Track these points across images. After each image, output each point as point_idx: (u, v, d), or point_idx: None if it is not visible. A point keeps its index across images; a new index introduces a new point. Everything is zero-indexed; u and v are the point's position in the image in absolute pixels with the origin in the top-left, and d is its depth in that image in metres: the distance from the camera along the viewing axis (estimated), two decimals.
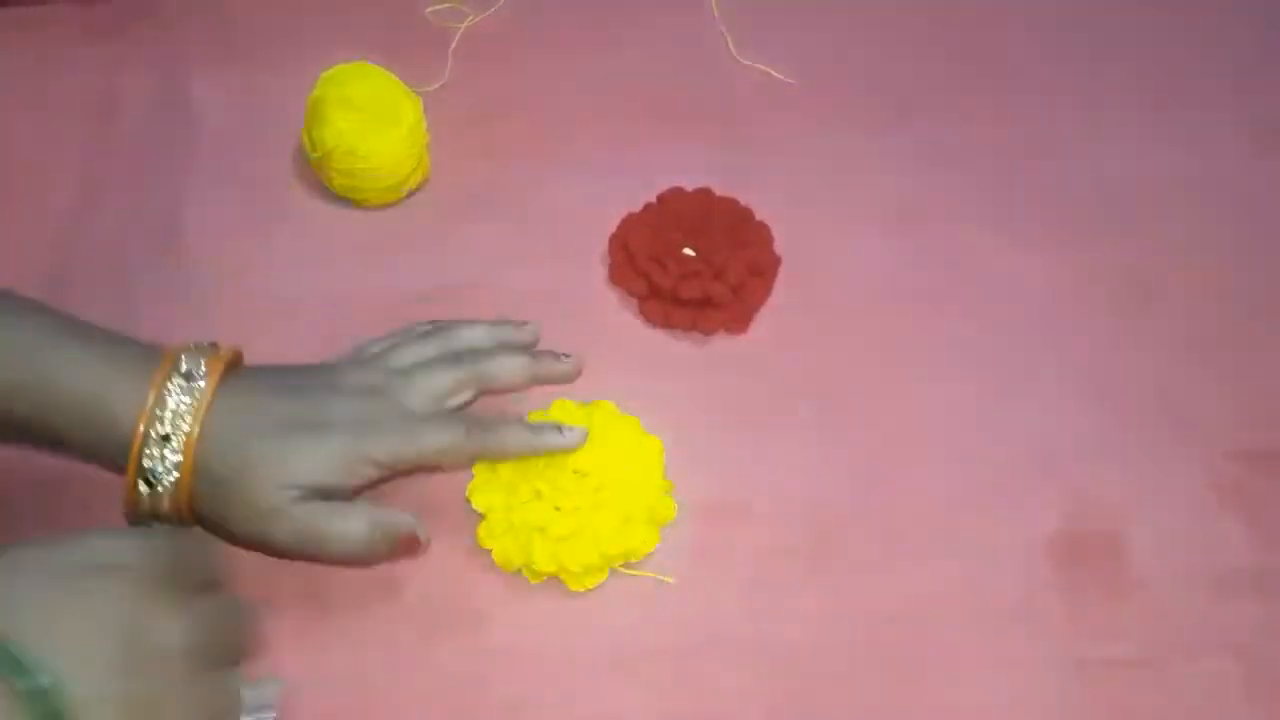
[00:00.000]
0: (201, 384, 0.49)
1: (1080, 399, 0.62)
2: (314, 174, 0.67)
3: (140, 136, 0.70)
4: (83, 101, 0.71)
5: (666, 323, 0.63)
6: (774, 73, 0.74)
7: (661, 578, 0.55)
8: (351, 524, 0.50)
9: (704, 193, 0.67)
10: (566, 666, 0.53)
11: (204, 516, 0.50)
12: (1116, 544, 0.57)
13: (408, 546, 0.52)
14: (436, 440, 0.51)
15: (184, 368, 0.49)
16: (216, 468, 0.49)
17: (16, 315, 0.50)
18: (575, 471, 0.54)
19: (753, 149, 0.71)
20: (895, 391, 0.62)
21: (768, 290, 0.64)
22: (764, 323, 0.64)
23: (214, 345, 0.52)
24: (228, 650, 0.41)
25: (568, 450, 0.54)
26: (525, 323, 0.58)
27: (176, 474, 0.49)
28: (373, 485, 0.52)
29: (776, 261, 0.65)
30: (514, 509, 0.54)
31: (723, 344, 0.63)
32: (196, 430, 0.48)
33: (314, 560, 0.51)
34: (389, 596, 0.54)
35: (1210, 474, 0.59)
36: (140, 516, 0.50)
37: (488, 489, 0.55)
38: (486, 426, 0.52)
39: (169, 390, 0.49)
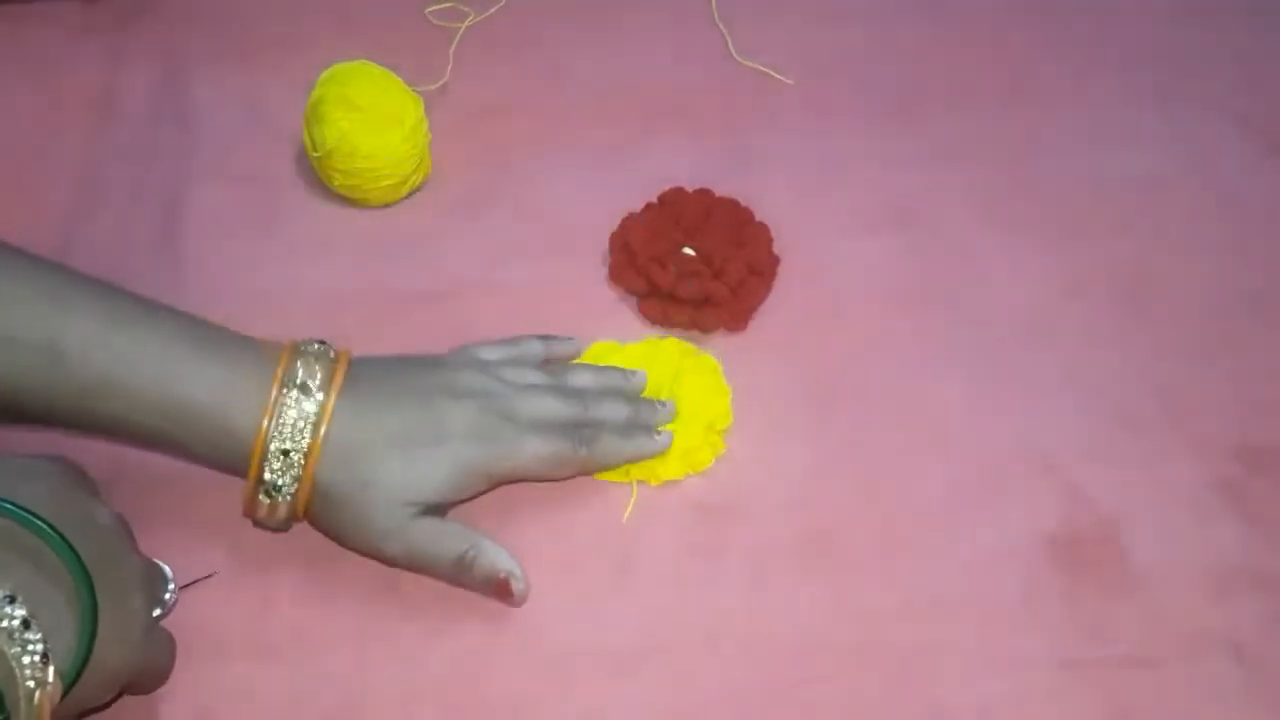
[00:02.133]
0: (319, 397, 0.50)
1: (1080, 399, 0.62)
2: (314, 173, 0.67)
3: (140, 134, 0.70)
4: (82, 99, 0.71)
5: (666, 322, 0.63)
6: (773, 73, 0.75)
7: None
8: (457, 551, 0.52)
9: (704, 193, 0.67)
10: (567, 666, 0.53)
11: (320, 523, 0.52)
12: (1116, 544, 0.57)
13: (500, 589, 0.52)
14: (545, 452, 0.53)
15: (299, 378, 0.50)
16: (335, 483, 0.50)
17: (124, 308, 0.50)
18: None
19: (753, 149, 0.71)
20: (895, 391, 0.62)
21: (767, 290, 0.64)
22: (763, 322, 0.64)
23: (323, 345, 0.52)
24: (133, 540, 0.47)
25: (661, 453, 0.56)
26: (634, 372, 0.59)
27: (296, 486, 0.50)
28: (483, 493, 0.54)
29: (776, 261, 0.65)
30: None
31: (722, 343, 0.63)
32: (316, 447, 0.49)
33: (422, 574, 0.52)
34: (389, 596, 0.54)
35: (1210, 474, 0.59)
36: (260, 519, 0.52)
37: None
38: (588, 439, 0.54)
39: (286, 403, 0.49)
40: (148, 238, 0.65)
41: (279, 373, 0.50)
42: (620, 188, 0.66)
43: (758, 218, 0.66)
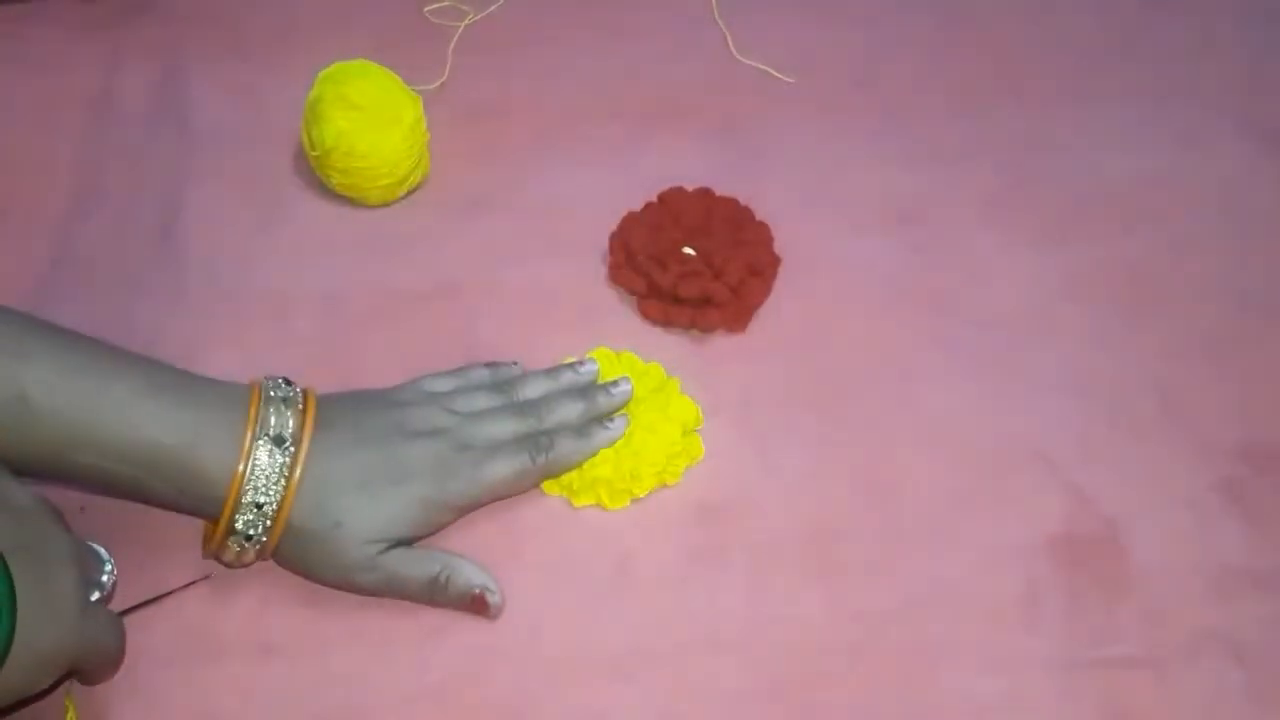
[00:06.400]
0: (292, 449, 0.50)
1: (1080, 399, 0.61)
2: (313, 172, 0.67)
3: (138, 134, 0.70)
4: (80, 98, 0.71)
5: (666, 321, 0.63)
6: (774, 72, 0.74)
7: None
8: (430, 573, 0.52)
9: (704, 193, 0.67)
10: (567, 666, 0.53)
11: (287, 563, 0.53)
12: (1116, 544, 0.57)
13: (476, 605, 0.53)
14: (506, 473, 0.54)
15: (272, 428, 0.50)
16: (306, 527, 0.51)
17: (87, 356, 0.49)
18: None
19: (753, 149, 0.71)
20: (895, 391, 0.61)
21: (767, 290, 0.64)
22: (763, 322, 0.64)
23: (289, 386, 0.52)
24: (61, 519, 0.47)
25: (615, 441, 0.56)
26: (582, 361, 0.59)
27: (267, 536, 0.51)
28: (449, 524, 0.54)
29: (776, 261, 0.65)
30: None
31: (722, 343, 0.63)
32: (290, 497, 0.50)
33: (398, 599, 0.53)
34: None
35: (1210, 474, 0.59)
36: (227, 561, 0.52)
37: None
38: (545, 448, 0.55)
39: (258, 457, 0.49)
40: (146, 236, 0.65)
41: (251, 417, 0.50)
42: (620, 187, 0.66)
43: (758, 217, 0.66)
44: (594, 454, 0.56)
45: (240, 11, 0.76)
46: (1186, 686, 0.53)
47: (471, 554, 0.55)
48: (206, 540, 0.52)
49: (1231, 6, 0.80)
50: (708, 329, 0.63)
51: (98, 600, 0.51)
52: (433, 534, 0.54)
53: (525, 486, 0.56)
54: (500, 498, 0.56)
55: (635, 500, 0.57)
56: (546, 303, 0.63)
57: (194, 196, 0.67)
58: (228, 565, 0.53)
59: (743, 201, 0.66)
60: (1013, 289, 0.66)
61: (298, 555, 0.52)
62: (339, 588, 0.53)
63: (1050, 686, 0.53)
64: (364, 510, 0.51)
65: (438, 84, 0.72)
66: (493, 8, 0.76)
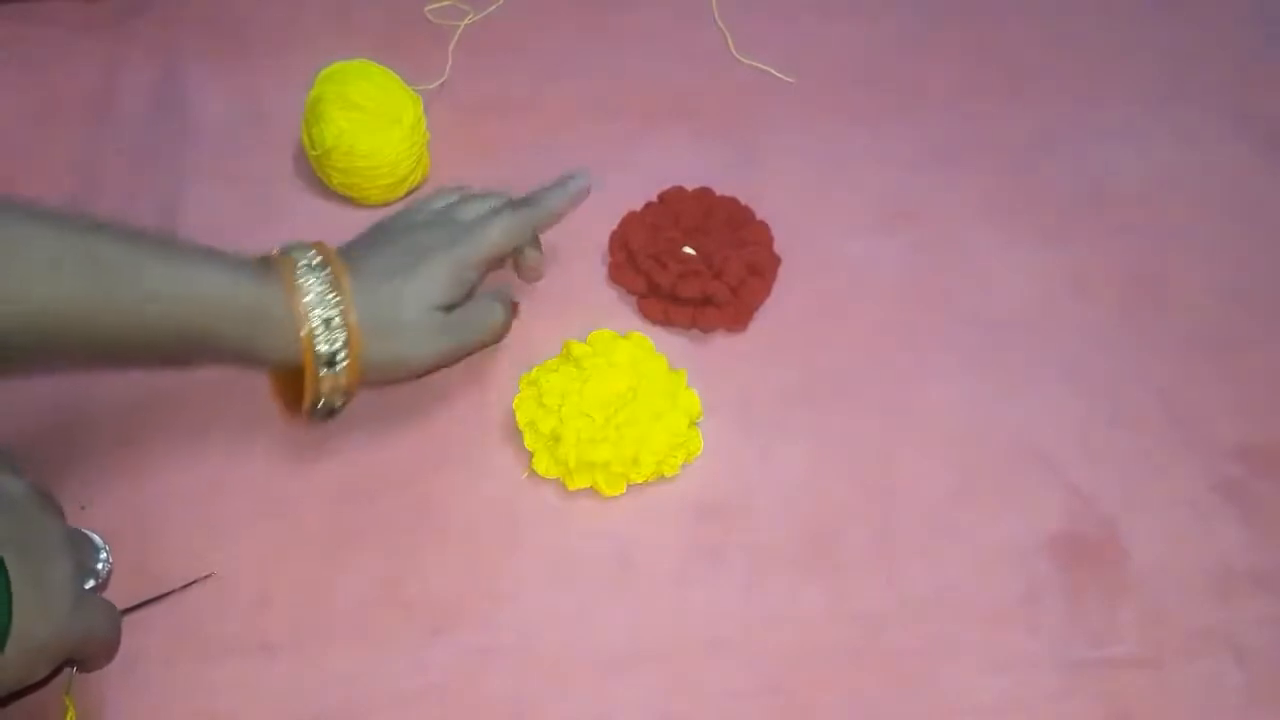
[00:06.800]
0: (325, 269, 0.53)
1: (1080, 399, 0.61)
2: (313, 172, 0.67)
3: (138, 133, 0.70)
4: (81, 97, 0.71)
5: (666, 321, 0.63)
6: (774, 71, 0.74)
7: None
8: (493, 309, 0.59)
9: (704, 192, 0.67)
10: (566, 666, 0.53)
11: (372, 371, 0.55)
12: (1116, 544, 0.57)
13: (514, 311, 0.61)
14: (506, 226, 0.59)
15: (298, 262, 0.53)
16: (373, 323, 0.54)
17: (148, 231, 0.51)
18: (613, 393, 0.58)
19: (753, 148, 0.71)
20: (895, 391, 0.61)
21: (767, 289, 0.64)
22: (763, 322, 0.64)
23: (287, 243, 0.55)
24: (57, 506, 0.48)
25: (585, 189, 0.61)
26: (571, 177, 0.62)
27: (347, 348, 0.53)
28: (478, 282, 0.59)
29: (776, 261, 0.65)
30: (562, 420, 0.57)
31: (722, 342, 0.63)
32: (349, 297, 0.53)
33: (467, 354, 0.58)
34: (389, 597, 0.54)
35: (1210, 474, 0.59)
36: (318, 404, 0.54)
37: (528, 406, 0.58)
38: (527, 202, 0.60)
39: (303, 285, 0.52)
40: None
41: (280, 262, 0.53)
42: (620, 187, 0.66)
43: (758, 217, 0.66)
44: (571, 197, 0.61)
45: (240, 11, 0.76)
46: (1186, 686, 0.53)
47: (472, 554, 0.56)
48: (289, 404, 0.55)
49: (1231, 6, 0.80)
50: (708, 328, 0.63)
51: (93, 588, 0.51)
52: (468, 294, 0.58)
53: (523, 237, 0.60)
54: (508, 254, 0.60)
55: (631, 487, 0.57)
56: (546, 302, 0.63)
57: (194, 196, 0.67)
58: (318, 412, 0.54)
59: (743, 200, 0.66)
60: (1013, 288, 0.66)
61: (380, 357, 0.54)
62: (420, 370, 0.57)
63: (1050, 686, 0.53)
64: (408, 288, 0.55)
65: (438, 84, 0.72)
66: (493, 8, 0.76)
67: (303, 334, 0.52)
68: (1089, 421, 0.61)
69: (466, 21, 0.76)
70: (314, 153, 0.65)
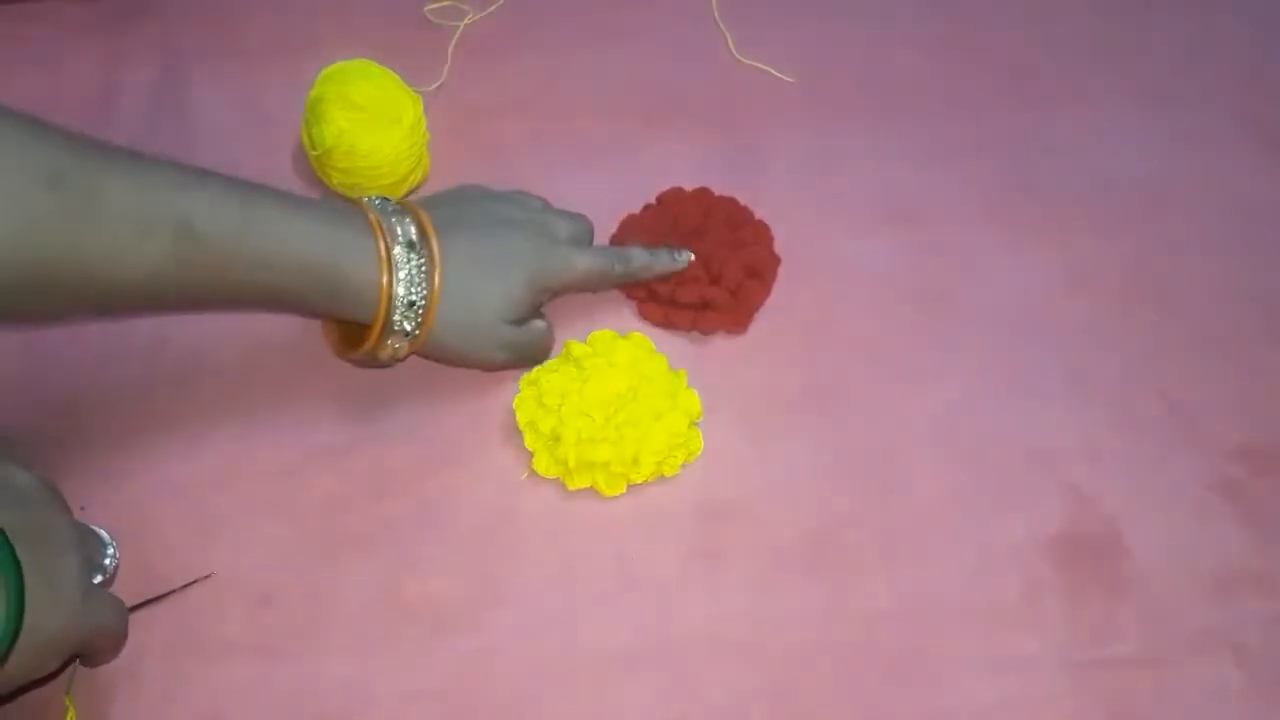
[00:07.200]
0: (424, 251, 0.55)
1: (1080, 399, 0.61)
2: (313, 172, 0.67)
3: (139, 133, 0.70)
4: (82, 98, 0.71)
5: (666, 323, 0.63)
6: (774, 72, 0.74)
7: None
8: (549, 335, 0.61)
9: (703, 192, 0.67)
10: (566, 666, 0.53)
11: (433, 350, 0.58)
12: (1116, 544, 0.57)
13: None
14: (592, 266, 0.60)
15: (400, 236, 0.54)
16: (449, 316, 0.56)
17: (227, 183, 0.52)
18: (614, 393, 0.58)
19: (752, 149, 0.71)
20: (895, 391, 0.61)
21: (767, 290, 0.64)
22: (764, 322, 0.64)
23: (384, 200, 0.57)
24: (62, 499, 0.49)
25: (681, 267, 0.62)
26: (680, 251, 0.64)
27: (419, 328, 0.55)
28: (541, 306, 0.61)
29: (776, 261, 0.65)
30: (562, 420, 0.57)
31: (722, 342, 0.63)
32: (436, 293, 0.55)
33: (523, 367, 0.60)
34: (389, 598, 0.54)
35: (1210, 474, 0.59)
36: (383, 358, 0.57)
37: (528, 406, 0.59)
38: (622, 257, 0.61)
39: (397, 258, 0.54)
40: None
41: (375, 224, 0.54)
42: (619, 188, 0.66)
43: (757, 217, 0.66)
44: (661, 272, 0.62)
45: (240, 11, 0.76)
46: (1186, 686, 0.53)
47: (472, 554, 0.56)
48: (351, 344, 0.57)
49: (1231, 6, 0.80)
50: (708, 331, 0.63)
51: (100, 583, 0.51)
52: (529, 315, 0.59)
53: (603, 286, 0.62)
54: (580, 290, 0.61)
55: (631, 487, 0.57)
56: (546, 303, 0.63)
57: None
58: (377, 363, 0.57)
59: (742, 201, 0.66)
60: (1013, 288, 0.66)
61: (445, 343, 0.57)
62: (473, 366, 0.59)
63: (1050, 686, 0.53)
64: (491, 293, 0.57)
65: (438, 84, 0.72)
66: (493, 8, 0.76)
67: (383, 309, 0.54)
68: (1089, 421, 0.61)
69: (466, 22, 0.76)
70: (314, 153, 0.65)
